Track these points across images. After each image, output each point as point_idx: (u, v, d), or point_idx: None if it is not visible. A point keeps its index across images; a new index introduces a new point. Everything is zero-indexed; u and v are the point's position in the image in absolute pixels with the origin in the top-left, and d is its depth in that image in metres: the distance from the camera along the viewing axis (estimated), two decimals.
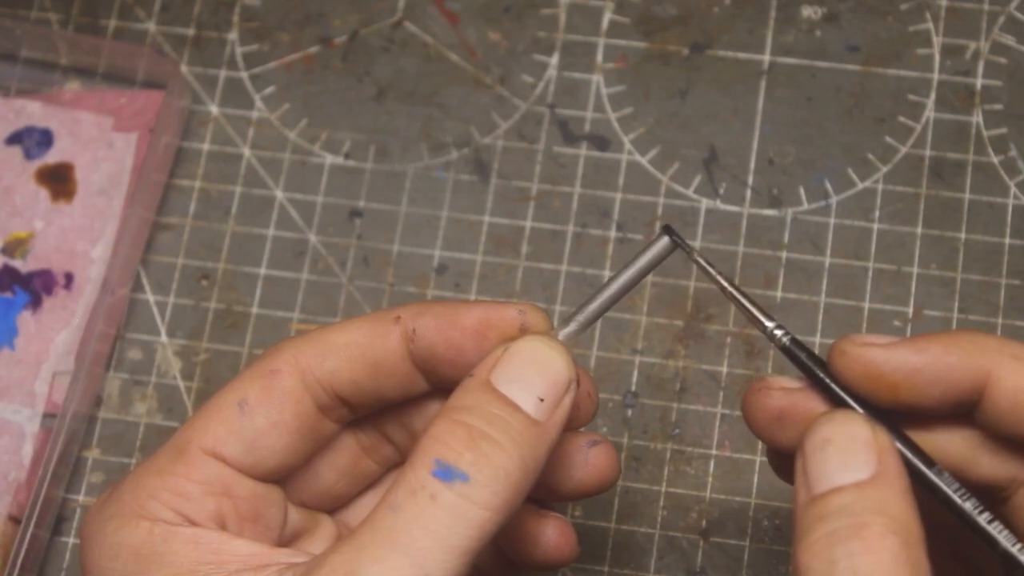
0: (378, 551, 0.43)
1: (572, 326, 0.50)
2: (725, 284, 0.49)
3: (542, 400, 0.46)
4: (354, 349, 0.49)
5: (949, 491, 0.46)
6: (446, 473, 0.44)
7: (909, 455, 0.46)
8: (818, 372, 0.48)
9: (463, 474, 0.44)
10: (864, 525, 0.43)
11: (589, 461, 0.51)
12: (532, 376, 0.47)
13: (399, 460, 0.53)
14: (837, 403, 0.47)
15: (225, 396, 0.49)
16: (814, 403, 0.48)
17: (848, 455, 0.44)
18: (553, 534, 0.52)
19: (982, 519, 0.45)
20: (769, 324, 0.48)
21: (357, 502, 0.53)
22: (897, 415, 0.47)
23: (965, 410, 0.47)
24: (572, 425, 0.51)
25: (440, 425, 0.45)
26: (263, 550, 0.47)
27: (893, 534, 0.42)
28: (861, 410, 0.47)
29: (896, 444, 0.46)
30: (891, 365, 0.46)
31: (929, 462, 0.46)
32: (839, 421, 0.45)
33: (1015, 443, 0.47)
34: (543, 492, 0.51)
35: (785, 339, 0.48)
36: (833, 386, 0.47)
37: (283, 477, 0.50)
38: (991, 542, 0.45)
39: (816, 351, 0.62)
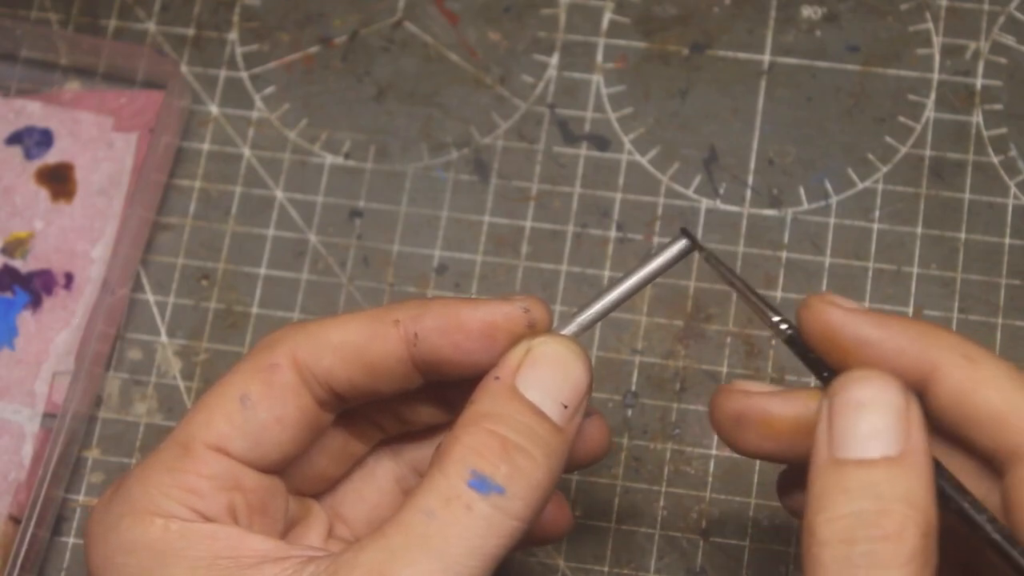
0: (412, 555, 0.44)
1: (576, 324, 0.50)
2: (736, 281, 0.50)
3: (565, 406, 0.47)
4: (350, 350, 0.49)
5: (967, 505, 0.45)
6: (482, 484, 0.45)
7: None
8: (821, 369, 0.48)
9: (499, 487, 0.45)
10: (888, 512, 0.43)
11: (585, 433, 0.51)
12: (557, 382, 0.47)
13: (382, 437, 0.53)
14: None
15: (225, 391, 0.49)
16: (773, 407, 0.48)
17: (879, 424, 0.44)
18: (550, 508, 0.52)
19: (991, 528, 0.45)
20: (775, 318, 0.49)
21: (343, 486, 0.54)
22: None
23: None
24: None
25: (473, 434, 0.46)
26: (279, 544, 0.47)
27: (915, 525, 0.43)
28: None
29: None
30: (846, 330, 0.47)
31: (962, 490, 0.46)
32: (876, 384, 0.45)
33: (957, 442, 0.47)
34: None
35: (790, 332, 0.49)
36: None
37: (284, 468, 0.50)
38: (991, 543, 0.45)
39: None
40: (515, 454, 0.45)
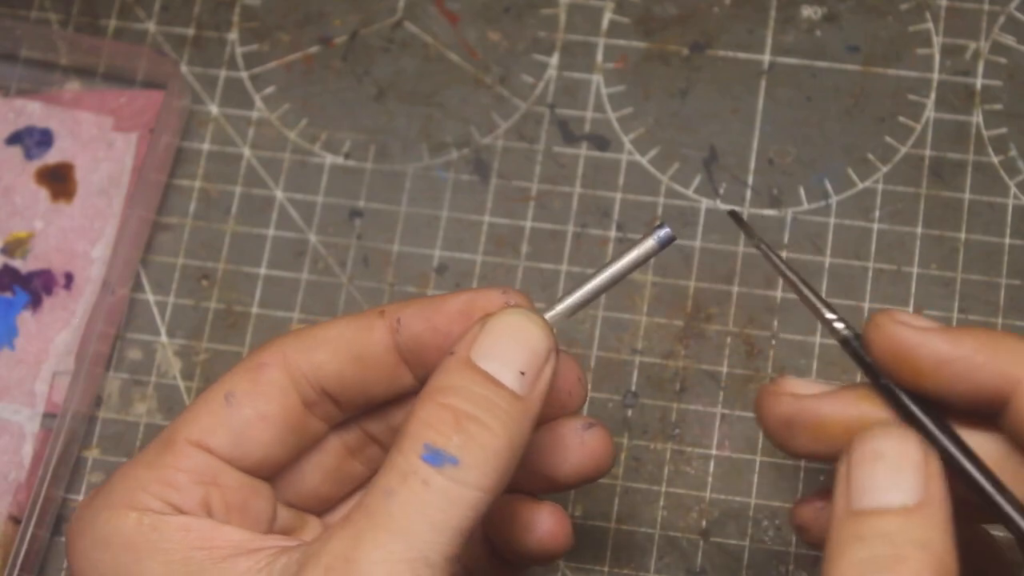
0: (377, 536, 0.44)
1: (561, 307, 0.50)
2: (788, 273, 0.49)
3: (523, 373, 0.46)
4: (340, 343, 0.49)
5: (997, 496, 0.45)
6: (435, 457, 0.44)
7: (957, 454, 0.45)
8: (878, 375, 0.47)
9: (452, 458, 0.44)
10: (902, 559, 0.42)
11: (585, 443, 0.51)
12: (511, 349, 0.47)
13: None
14: (892, 404, 0.47)
15: (212, 390, 0.49)
16: (824, 409, 0.47)
17: (897, 475, 0.44)
18: (548, 521, 0.52)
19: None
20: (830, 316, 0.48)
21: (344, 505, 0.53)
22: (946, 413, 0.46)
23: (989, 412, 0.46)
24: (565, 411, 0.51)
25: (426, 408, 0.45)
26: (253, 536, 0.47)
27: (929, 570, 0.42)
28: (921, 415, 0.46)
29: (956, 456, 0.45)
30: (921, 350, 0.46)
31: (989, 475, 0.45)
32: (894, 437, 0.44)
33: None
34: (541, 482, 0.52)
35: (846, 332, 0.48)
36: (896, 390, 0.47)
37: (271, 472, 0.50)
38: None
39: (816, 352, 0.63)
40: (468, 424, 0.45)
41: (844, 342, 0.48)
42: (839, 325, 0.48)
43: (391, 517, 0.44)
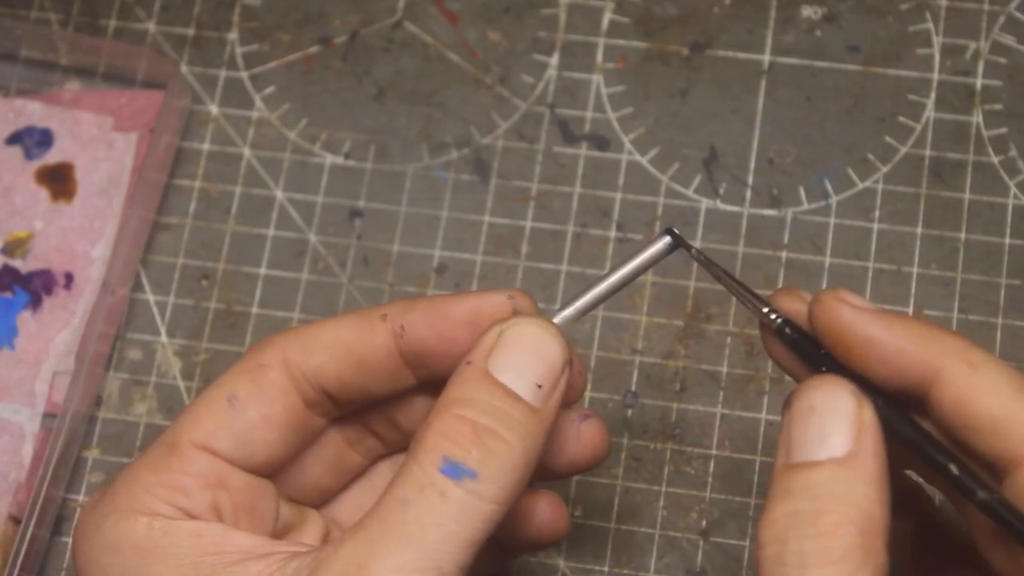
0: (391, 544, 0.44)
1: (568, 311, 0.50)
2: (724, 276, 0.50)
3: (540, 386, 0.47)
4: (340, 347, 0.49)
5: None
6: (454, 470, 0.45)
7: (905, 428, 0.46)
8: (819, 363, 0.48)
9: (471, 471, 0.45)
10: (823, 512, 0.43)
11: (582, 435, 0.51)
12: (529, 362, 0.47)
13: (383, 451, 0.54)
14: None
15: (214, 392, 0.49)
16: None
17: (827, 428, 0.44)
18: (546, 509, 0.52)
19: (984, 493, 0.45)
20: (765, 309, 0.49)
21: (343, 495, 0.54)
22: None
23: (913, 398, 0.47)
24: (564, 403, 0.51)
25: (444, 420, 0.46)
26: (264, 541, 0.47)
27: (850, 523, 0.43)
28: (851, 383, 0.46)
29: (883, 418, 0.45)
30: (854, 328, 0.46)
31: (929, 439, 0.46)
32: (826, 390, 0.45)
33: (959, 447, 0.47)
34: (538, 471, 0.52)
35: (779, 322, 0.48)
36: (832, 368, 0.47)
37: (274, 470, 0.50)
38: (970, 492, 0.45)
39: None
40: (487, 438, 0.45)
41: (778, 331, 0.48)
42: (773, 316, 0.48)
43: (406, 526, 0.44)
